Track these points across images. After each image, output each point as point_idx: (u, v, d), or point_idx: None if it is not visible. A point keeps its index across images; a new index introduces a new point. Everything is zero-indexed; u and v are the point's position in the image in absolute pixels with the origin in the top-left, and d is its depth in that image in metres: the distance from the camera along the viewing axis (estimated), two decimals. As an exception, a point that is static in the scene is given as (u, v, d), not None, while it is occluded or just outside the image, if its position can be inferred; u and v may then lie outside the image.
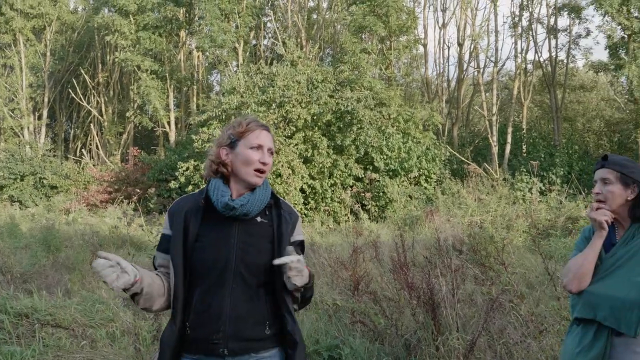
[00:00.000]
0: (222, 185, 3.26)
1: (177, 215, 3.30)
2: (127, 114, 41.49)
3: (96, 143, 43.29)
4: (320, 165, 24.34)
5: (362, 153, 25.21)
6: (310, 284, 3.12)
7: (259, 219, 3.27)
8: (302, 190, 24.11)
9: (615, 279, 3.54)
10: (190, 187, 24.48)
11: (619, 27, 27.70)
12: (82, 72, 43.14)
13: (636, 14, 27.25)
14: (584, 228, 3.96)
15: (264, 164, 3.24)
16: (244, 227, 3.23)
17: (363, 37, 31.74)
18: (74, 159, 39.74)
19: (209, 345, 3.15)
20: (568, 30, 34.41)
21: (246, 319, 3.16)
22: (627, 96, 32.43)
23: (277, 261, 2.99)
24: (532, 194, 23.09)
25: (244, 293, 3.14)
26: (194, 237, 3.22)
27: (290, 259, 2.98)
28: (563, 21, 43.81)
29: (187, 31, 38.72)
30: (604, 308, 3.50)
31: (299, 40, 34.31)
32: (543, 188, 23.69)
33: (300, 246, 3.34)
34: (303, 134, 24.50)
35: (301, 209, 23.92)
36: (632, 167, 3.66)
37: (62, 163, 36.58)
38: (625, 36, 27.81)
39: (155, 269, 3.34)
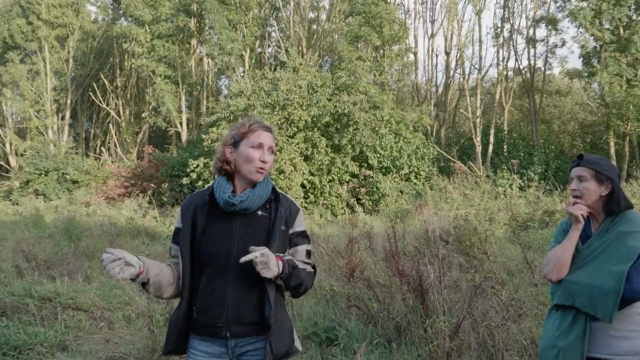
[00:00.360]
0: (225, 183, 3.34)
1: (187, 211, 3.38)
2: (143, 115, 41.43)
3: (114, 142, 43.27)
4: (320, 162, 24.38)
5: (358, 152, 25.20)
6: (285, 274, 3.12)
7: (259, 212, 3.32)
8: (302, 186, 24.14)
9: (592, 268, 3.57)
10: (200, 183, 24.53)
11: (592, 37, 27.71)
12: (102, 76, 43.15)
13: (607, 26, 27.27)
14: (561, 221, 4.00)
15: (263, 162, 3.29)
16: (245, 220, 3.29)
17: (359, 46, 31.71)
18: (93, 156, 39.74)
19: (213, 328, 3.24)
20: (545, 41, 34.37)
21: (247, 305, 3.23)
22: (599, 101, 32.47)
23: (242, 259, 3.03)
24: (512, 189, 23.12)
25: (245, 281, 3.19)
26: (201, 230, 3.30)
27: (254, 255, 3.01)
28: (541, 32, 44.12)
29: (197, 40, 38.74)
30: (582, 295, 3.53)
31: (300, 48, 34.30)
32: (522, 184, 23.70)
33: (301, 236, 3.41)
34: (304, 134, 24.52)
35: (302, 202, 23.93)
36: (606, 165, 3.70)
37: (83, 160, 36.63)
38: (598, 46, 27.82)
39: (172, 258, 3.42)
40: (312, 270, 3.41)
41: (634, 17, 27.20)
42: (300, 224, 3.43)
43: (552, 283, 3.76)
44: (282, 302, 3.36)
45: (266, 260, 3.01)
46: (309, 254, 3.45)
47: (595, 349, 3.53)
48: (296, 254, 3.36)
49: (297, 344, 3.40)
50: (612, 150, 27.28)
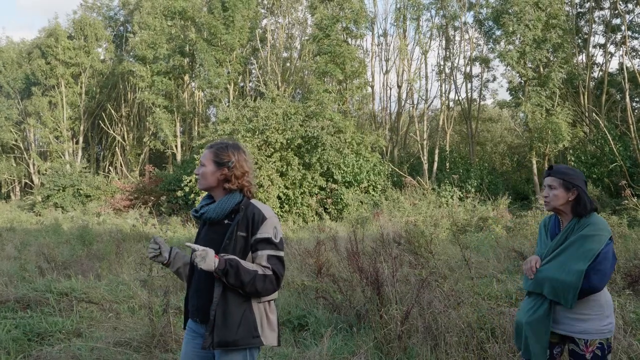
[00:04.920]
0: (205, 197, 3.55)
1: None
2: (144, 139, 41.42)
3: (120, 162, 43.07)
4: (293, 178, 24.38)
5: (325, 168, 25.25)
6: (221, 271, 3.13)
7: (226, 221, 3.38)
8: (278, 197, 24.12)
9: (557, 264, 3.70)
10: (192, 195, 24.47)
11: (518, 74, 28.01)
12: (109, 107, 43.06)
13: (530, 65, 27.60)
14: (543, 219, 4.14)
15: (195, 174, 3.51)
16: (212, 228, 3.42)
17: (325, 80, 31.77)
18: (103, 174, 39.44)
19: (191, 313, 3.45)
20: (480, 76, 34.71)
21: (206, 298, 3.31)
22: (523, 126, 32.76)
23: (186, 243, 3.18)
24: (453, 200, 23.28)
25: (208, 276, 3.25)
26: (196, 236, 3.53)
27: (197, 247, 3.14)
28: (476, 69, 44.34)
29: (190, 75, 38.67)
30: (548, 286, 3.67)
31: (276, 82, 34.28)
32: (461, 195, 23.85)
33: (264, 242, 3.31)
34: (280, 154, 24.52)
35: (278, 212, 23.91)
36: (573, 174, 3.80)
37: (94, 177, 36.39)
38: (522, 81, 28.11)
39: None
40: (271, 273, 3.27)
41: (551, 58, 27.59)
42: (266, 231, 3.32)
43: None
44: (238, 300, 3.26)
45: (204, 255, 3.09)
46: (271, 258, 3.31)
47: (556, 326, 3.70)
48: (257, 258, 3.29)
49: (264, 339, 3.34)
50: (535, 168, 27.54)
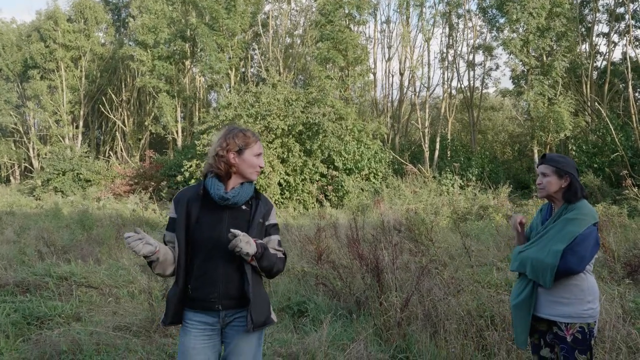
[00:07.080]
0: (217, 182, 3.39)
1: (180, 202, 3.42)
2: (145, 124, 41.37)
3: (120, 147, 43.12)
4: (294, 164, 24.36)
5: (326, 155, 25.22)
6: (259, 254, 3.21)
7: (244, 207, 3.41)
8: (279, 184, 24.11)
9: (540, 245, 3.81)
10: (193, 181, 24.43)
11: (521, 63, 27.97)
12: (110, 91, 43.01)
13: (533, 53, 27.54)
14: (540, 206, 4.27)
15: (261, 167, 3.47)
16: (232, 213, 3.37)
17: (327, 66, 31.69)
18: (103, 159, 39.47)
19: (207, 303, 3.32)
20: (482, 64, 34.68)
21: (234, 282, 3.30)
22: (525, 115, 32.76)
23: (232, 230, 3.13)
24: (454, 188, 23.31)
25: (232, 262, 3.27)
26: (195, 219, 3.35)
27: (239, 232, 3.11)
28: (479, 57, 44.03)
29: (191, 60, 38.60)
30: (529, 266, 3.79)
31: (277, 68, 34.22)
32: (462, 184, 23.90)
33: (274, 228, 3.53)
34: (281, 140, 24.48)
35: (278, 198, 23.93)
36: (564, 162, 3.89)
37: (94, 162, 36.37)
38: (525, 70, 28.07)
39: (165, 245, 3.44)
40: (283, 256, 3.50)
41: (554, 47, 27.53)
42: (274, 218, 3.55)
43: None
44: (260, 281, 3.43)
45: (247, 240, 3.12)
46: (279, 243, 3.54)
47: (538, 310, 3.80)
48: (270, 242, 3.45)
49: (273, 316, 3.49)
50: (536, 157, 27.51)
